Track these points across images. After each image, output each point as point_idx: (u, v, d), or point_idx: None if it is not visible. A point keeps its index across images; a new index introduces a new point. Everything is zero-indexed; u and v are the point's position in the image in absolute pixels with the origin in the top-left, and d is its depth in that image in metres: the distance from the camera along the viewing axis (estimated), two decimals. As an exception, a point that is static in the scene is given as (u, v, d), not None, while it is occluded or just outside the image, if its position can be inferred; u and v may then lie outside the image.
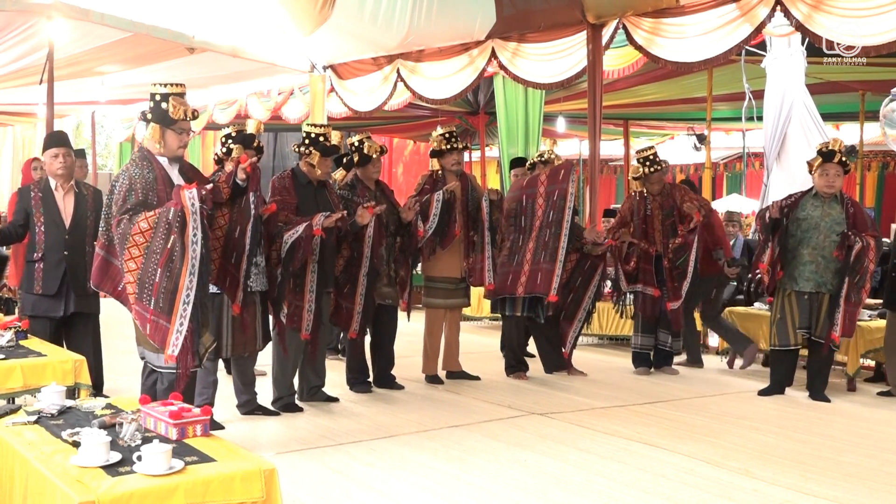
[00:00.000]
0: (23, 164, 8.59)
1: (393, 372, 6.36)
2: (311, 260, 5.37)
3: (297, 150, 5.66)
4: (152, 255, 3.90)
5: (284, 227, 5.17)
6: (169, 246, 3.89)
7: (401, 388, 6.27)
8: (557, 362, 7.01)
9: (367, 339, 6.29)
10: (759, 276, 6.37)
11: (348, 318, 5.85)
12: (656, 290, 6.86)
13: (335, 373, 6.23)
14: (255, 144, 5.26)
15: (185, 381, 4.01)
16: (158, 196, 4.05)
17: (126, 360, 4.67)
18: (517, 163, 7.85)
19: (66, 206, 5.43)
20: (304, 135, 5.65)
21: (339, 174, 6.24)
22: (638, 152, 7.19)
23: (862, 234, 6.00)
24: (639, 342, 7.19)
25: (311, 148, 5.56)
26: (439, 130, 6.57)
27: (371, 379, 6.28)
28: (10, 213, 6.80)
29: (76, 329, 5.49)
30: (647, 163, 6.95)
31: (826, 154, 6.14)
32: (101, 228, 4.19)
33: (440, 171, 6.50)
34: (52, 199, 5.41)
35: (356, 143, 6.14)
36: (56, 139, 5.56)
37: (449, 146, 6.47)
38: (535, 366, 7.09)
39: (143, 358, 4.24)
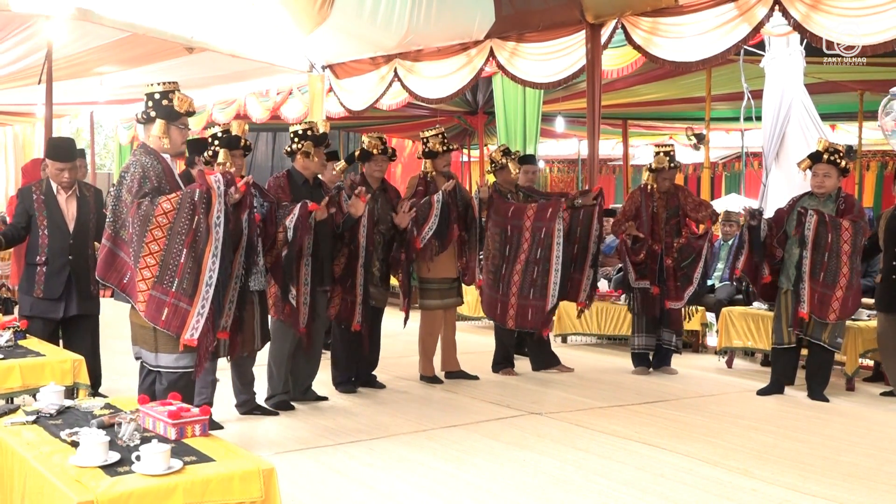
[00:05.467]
0: (25, 164, 8.50)
1: (390, 372, 6.34)
2: (305, 253, 5.36)
3: (288, 151, 5.65)
4: (176, 235, 3.92)
5: (286, 211, 5.16)
6: (193, 226, 3.92)
7: (382, 386, 6.27)
8: (545, 360, 7.06)
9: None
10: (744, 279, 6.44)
11: (351, 312, 5.84)
12: (656, 287, 6.87)
13: (320, 371, 6.17)
14: (241, 145, 5.25)
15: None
16: (170, 187, 4.07)
17: (125, 360, 4.68)
18: (524, 160, 7.81)
19: (70, 209, 5.38)
20: (293, 134, 5.66)
21: (340, 165, 6.30)
22: (658, 146, 7.19)
23: (831, 214, 6.01)
24: (641, 343, 7.12)
25: (303, 142, 5.55)
26: (433, 132, 6.57)
27: (354, 378, 6.24)
28: (10, 213, 6.77)
29: (76, 330, 5.46)
30: (669, 157, 6.96)
31: (813, 155, 6.20)
32: (108, 220, 4.18)
33: (432, 173, 6.51)
34: (55, 202, 5.34)
35: (363, 140, 6.19)
36: (63, 153, 5.38)
37: (444, 148, 6.48)
38: (527, 365, 7.10)
39: (138, 358, 4.21)
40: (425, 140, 6.56)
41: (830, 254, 5.96)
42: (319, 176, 5.79)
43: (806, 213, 6.01)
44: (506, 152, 6.92)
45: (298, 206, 5.18)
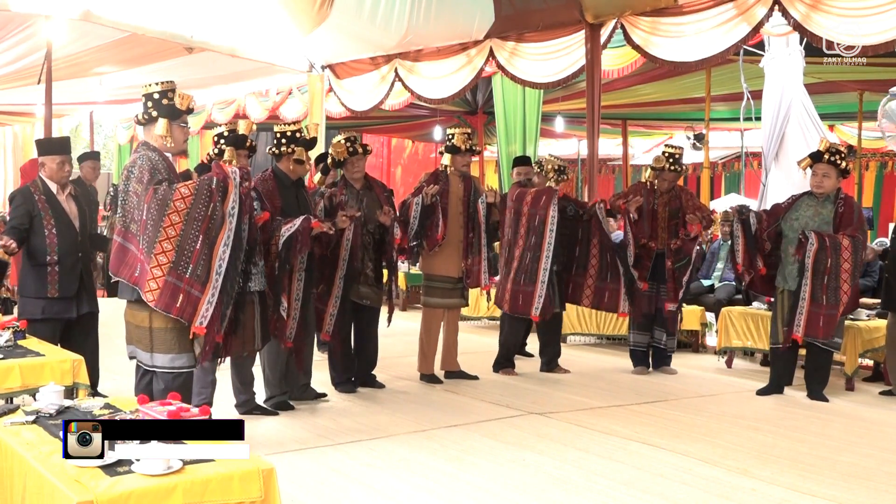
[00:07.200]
0: (24, 164, 8.49)
1: (389, 371, 6.33)
2: (297, 268, 5.33)
3: (274, 152, 5.46)
4: (193, 221, 3.94)
5: (282, 221, 5.13)
6: (209, 213, 3.96)
7: (382, 386, 6.25)
8: (550, 362, 7.07)
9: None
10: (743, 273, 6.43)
11: (320, 320, 5.80)
12: (645, 284, 6.89)
13: (320, 372, 6.16)
14: (247, 145, 5.23)
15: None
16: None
17: (124, 360, 4.68)
18: (520, 161, 7.84)
19: (70, 207, 5.39)
20: (280, 135, 5.43)
21: (317, 177, 6.36)
22: (667, 146, 7.19)
23: (831, 234, 5.98)
24: (634, 339, 7.19)
25: (293, 146, 5.40)
26: (459, 129, 6.61)
27: (353, 378, 6.22)
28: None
29: (81, 328, 5.45)
30: (672, 159, 6.93)
31: (813, 155, 6.20)
32: (117, 215, 4.20)
33: (445, 170, 6.48)
34: (57, 202, 5.33)
35: (329, 151, 6.12)
36: (58, 146, 5.41)
37: (467, 147, 6.48)
38: (527, 365, 7.10)
39: (132, 357, 4.21)
40: (450, 136, 6.53)
41: (830, 276, 5.94)
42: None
43: (807, 240, 5.94)
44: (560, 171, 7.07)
45: (301, 220, 5.09)
